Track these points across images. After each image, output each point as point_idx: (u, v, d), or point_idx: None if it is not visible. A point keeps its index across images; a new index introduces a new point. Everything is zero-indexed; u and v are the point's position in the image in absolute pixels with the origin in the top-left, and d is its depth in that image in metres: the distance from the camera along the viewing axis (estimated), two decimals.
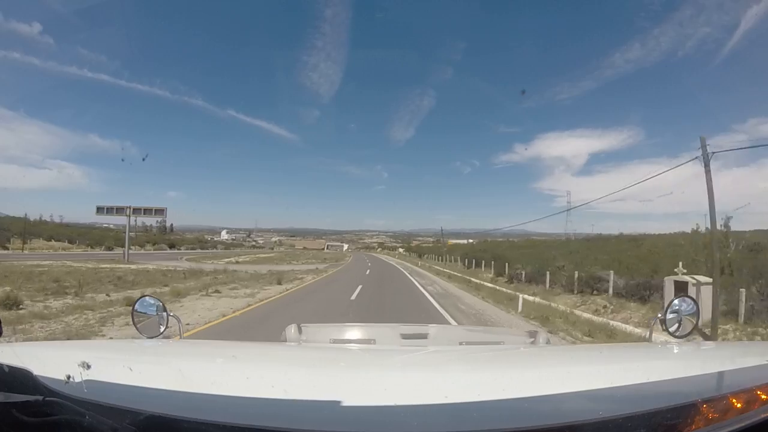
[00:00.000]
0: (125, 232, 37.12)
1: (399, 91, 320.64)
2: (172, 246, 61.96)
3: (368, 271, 32.42)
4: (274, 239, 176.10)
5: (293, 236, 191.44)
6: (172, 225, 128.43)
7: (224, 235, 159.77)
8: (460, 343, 1.82)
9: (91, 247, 57.06)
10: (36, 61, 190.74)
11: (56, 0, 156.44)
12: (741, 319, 9.36)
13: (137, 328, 1.58)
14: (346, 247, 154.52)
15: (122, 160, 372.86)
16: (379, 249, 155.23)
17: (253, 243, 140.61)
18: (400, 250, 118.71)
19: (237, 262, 37.53)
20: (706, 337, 8.53)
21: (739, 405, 0.79)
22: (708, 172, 9.59)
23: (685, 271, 10.77)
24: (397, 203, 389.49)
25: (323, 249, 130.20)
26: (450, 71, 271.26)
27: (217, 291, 14.85)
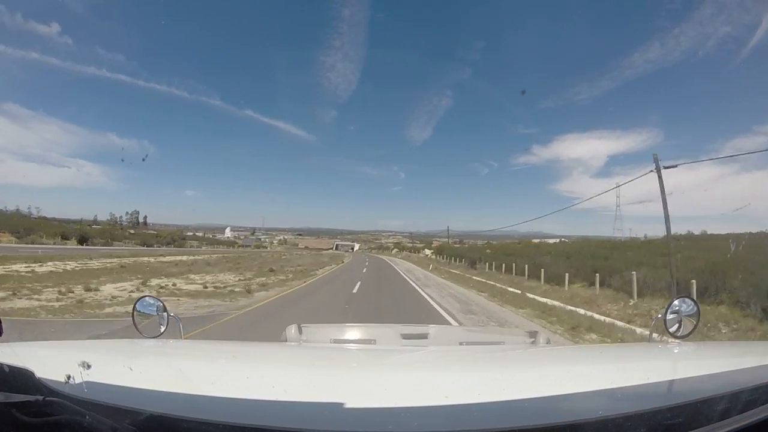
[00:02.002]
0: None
1: (416, 91, 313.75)
2: (82, 242, 46.84)
3: None
4: (278, 238, 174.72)
5: (300, 235, 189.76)
6: (146, 218, 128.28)
7: (228, 233, 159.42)
8: (461, 344, 1.81)
9: None
10: (55, 61, 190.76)
11: (75, 1, 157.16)
12: None
13: (137, 329, 1.58)
14: (357, 247, 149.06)
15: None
16: (395, 250, 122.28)
17: (240, 242, 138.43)
18: (427, 252, 76.67)
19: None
20: None
21: (738, 405, 0.78)
22: None
23: None
24: (413, 204, 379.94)
25: (330, 249, 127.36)
26: (468, 71, 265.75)
27: None
